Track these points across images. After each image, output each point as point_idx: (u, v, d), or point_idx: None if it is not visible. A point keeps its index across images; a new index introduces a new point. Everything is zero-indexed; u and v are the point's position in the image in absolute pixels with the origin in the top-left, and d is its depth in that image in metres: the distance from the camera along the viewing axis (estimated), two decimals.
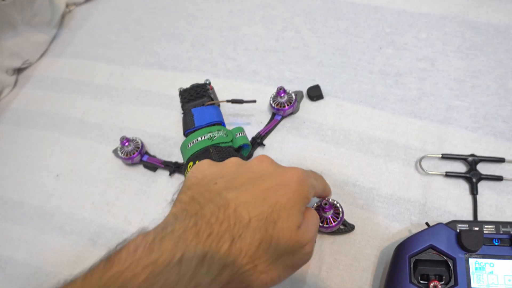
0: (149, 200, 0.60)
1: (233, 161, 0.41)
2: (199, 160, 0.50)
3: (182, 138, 0.63)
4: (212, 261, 0.32)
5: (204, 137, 0.52)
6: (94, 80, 0.77)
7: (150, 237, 0.33)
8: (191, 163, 0.51)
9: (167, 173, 0.62)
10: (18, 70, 0.83)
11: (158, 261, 0.31)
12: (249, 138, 0.60)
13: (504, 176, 0.52)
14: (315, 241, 0.41)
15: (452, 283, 0.42)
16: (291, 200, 0.37)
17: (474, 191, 0.51)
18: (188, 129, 0.55)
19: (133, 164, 0.64)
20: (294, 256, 0.37)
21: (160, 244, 0.32)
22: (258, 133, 0.61)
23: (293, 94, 0.61)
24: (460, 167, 0.54)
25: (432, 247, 0.43)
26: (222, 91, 0.67)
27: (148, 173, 0.63)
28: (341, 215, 0.50)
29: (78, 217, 0.61)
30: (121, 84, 0.75)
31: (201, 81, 0.63)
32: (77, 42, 0.84)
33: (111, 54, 0.80)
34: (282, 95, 0.61)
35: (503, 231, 0.43)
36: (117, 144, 0.64)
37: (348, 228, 0.51)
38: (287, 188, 0.37)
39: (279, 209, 0.36)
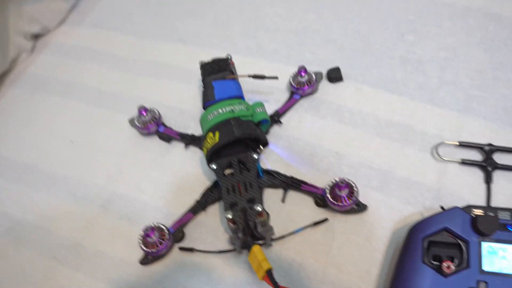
0: (163, 171, 0.61)
1: None
2: (220, 132, 0.51)
3: (199, 111, 0.64)
4: None
5: (225, 109, 0.53)
6: (112, 51, 0.77)
7: None
8: (210, 133, 0.52)
9: (182, 145, 0.62)
10: (36, 36, 0.83)
11: None
12: None
13: None
14: None
15: (464, 265, 0.42)
16: None
17: (488, 180, 0.52)
18: (208, 101, 0.56)
19: (149, 134, 0.64)
20: None
21: None
22: (276, 110, 0.61)
23: (313, 74, 0.62)
24: (476, 156, 0.54)
25: (446, 229, 0.44)
26: (242, 68, 0.67)
27: (163, 144, 0.63)
28: (355, 195, 0.50)
29: (91, 184, 0.62)
30: (139, 56, 0.75)
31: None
32: (97, 12, 0.84)
33: (131, 26, 0.80)
34: (303, 74, 0.61)
35: None
36: (133, 114, 0.65)
37: (361, 208, 0.52)
38: None
39: None
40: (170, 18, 0.79)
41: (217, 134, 0.51)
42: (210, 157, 0.52)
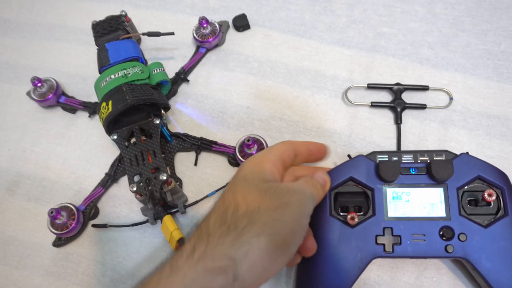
0: (70, 144, 0.57)
1: None
2: (112, 100, 0.47)
3: None
4: None
5: (118, 74, 0.49)
6: (2, 15, 0.69)
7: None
8: (104, 103, 0.48)
9: (87, 114, 0.58)
10: None
11: None
12: (173, 74, 0.57)
13: (428, 104, 0.52)
14: None
15: (370, 213, 0.42)
16: None
17: (398, 121, 0.51)
18: (103, 66, 0.51)
19: (49, 106, 0.59)
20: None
21: None
22: (182, 68, 0.58)
23: (217, 25, 0.58)
24: (386, 97, 0.54)
25: (352, 179, 0.43)
26: (143, 23, 0.62)
27: (67, 115, 0.59)
28: None
29: None
30: (32, 18, 0.68)
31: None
32: None
33: None
34: (205, 25, 0.57)
35: (420, 160, 0.43)
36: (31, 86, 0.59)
37: None
38: None
39: None
40: None
41: (110, 103, 0.47)
42: (108, 128, 0.49)
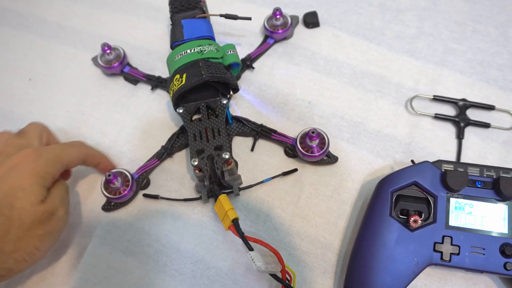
0: (128, 113, 0.58)
1: None
2: (187, 74, 0.48)
3: (167, 52, 0.60)
4: None
5: (194, 50, 0.49)
6: None
7: None
8: (177, 75, 0.48)
9: (148, 87, 0.59)
10: None
11: None
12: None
13: (492, 124, 0.52)
14: (68, 206, 0.46)
15: (431, 219, 0.42)
16: (28, 179, 0.40)
17: (460, 135, 0.51)
18: (176, 41, 0.52)
19: (113, 74, 0.60)
20: (46, 225, 0.41)
21: None
22: (249, 55, 0.58)
23: (289, 18, 0.58)
24: (450, 111, 0.54)
25: (415, 183, 0.43)
26: (213, 7, 0.63)
27: (129, 85, 0.60)
28: (326, 146, 0.49)
29: (51, 126, 0.57)
30: None
31: None
32: None
33: None
34: (278, 17, 0.58)
35: (487, 174, 0.43)
36: (96, 52, 0.60)
37: (331, 159, 0.51)
38: (20, 169, 0.41)
39: (14, 191, 0.39)
40: None
41: (184, 76, 0.48)
42: (177, 101, 0.49)
